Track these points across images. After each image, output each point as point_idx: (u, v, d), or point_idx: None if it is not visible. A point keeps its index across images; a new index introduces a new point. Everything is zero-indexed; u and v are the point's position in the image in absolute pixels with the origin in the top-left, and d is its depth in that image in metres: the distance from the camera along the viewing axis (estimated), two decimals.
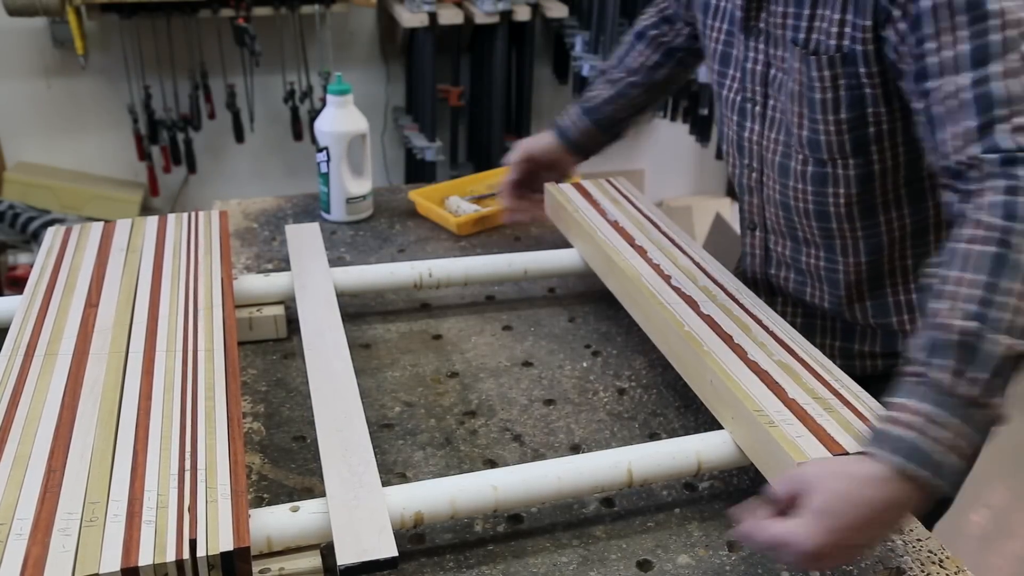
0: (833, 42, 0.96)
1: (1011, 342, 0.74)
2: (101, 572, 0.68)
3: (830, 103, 0.99)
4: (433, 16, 2.74)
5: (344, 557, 0.75)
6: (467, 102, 3.04)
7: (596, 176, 1.51)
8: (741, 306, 1.08)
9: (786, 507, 0.77)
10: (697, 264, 1.18)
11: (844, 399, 0.91)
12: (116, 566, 0.69)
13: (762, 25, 1.05)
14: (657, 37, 1.33)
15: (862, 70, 0.96)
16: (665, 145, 3.46)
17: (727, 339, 1.01)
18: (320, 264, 1.21)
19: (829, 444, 0.85)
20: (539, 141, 1.40)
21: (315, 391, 0.95)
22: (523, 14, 2.84)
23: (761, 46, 1.06)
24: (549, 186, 1.42)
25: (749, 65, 1.09)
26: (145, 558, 0.70)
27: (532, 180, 1.41)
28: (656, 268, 1.17)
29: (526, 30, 2.94)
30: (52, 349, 0.97)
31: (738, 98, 1.13)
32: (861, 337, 1.16)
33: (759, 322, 1.05)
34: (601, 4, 2.87)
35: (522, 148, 1.40)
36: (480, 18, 2.78)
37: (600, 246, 1.23)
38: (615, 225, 1.29)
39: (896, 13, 0.89)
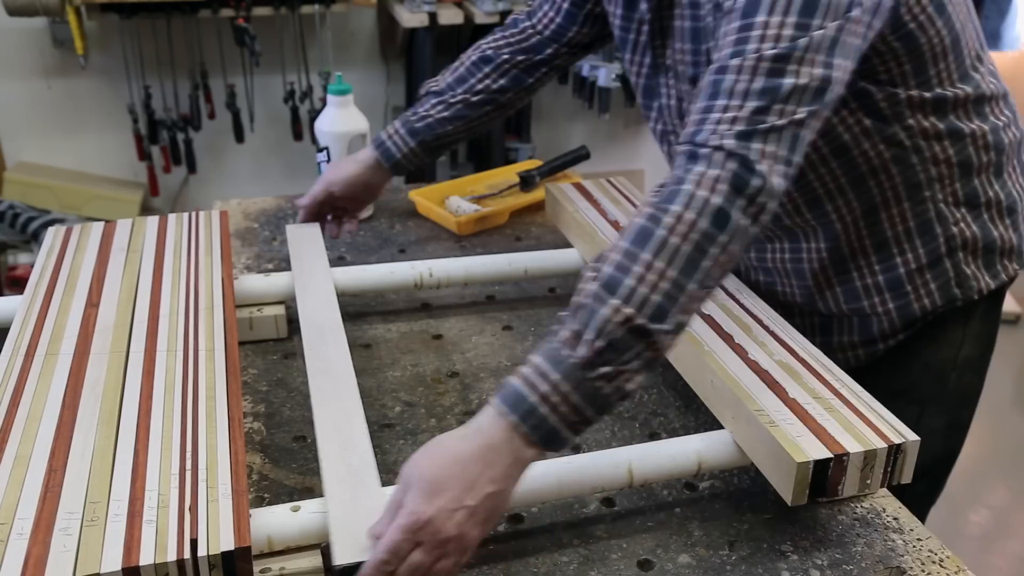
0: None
1: (629, 312, 0.74)
2: (102, 572, 0.69)
3: None
4: (433, 16, 2.74)
5: (341, 557, 0.75)
6: None
7: (596, 176, 1.51)
8: (741, 306, 1.08)
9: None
10: None
11: (845, 399, 0.91)
12: (117, 566, 0.69)
13: (668, 63, 1.07)
14: (509, 61, 1.28)
15: None
16: None
17: (728, 339, 1.01)
18: (320, 264, 1.21)
19: (830, 444, 0.85)
20: (347, 171, 1.31)
21: (315, 391, 0.95)
22: None
23: (671, 82, 1.09)
24: (550, 187, 1.42)
25: (664, 100, 1.11)
26: (146, 558, 0.70)
27: (333, 211, 1.35)
28: None
29: None
30: (53, 349, 0.97)
31: (660, 129, 1.16)
32: (839, 328, 1.17)
33: (759, 322, 1.05)
34: None
35: (325, 183, 1.31)
36: (480, 18, 2.78)
37: (601, 246, 1.23)
38: (615, 225, 1.29)
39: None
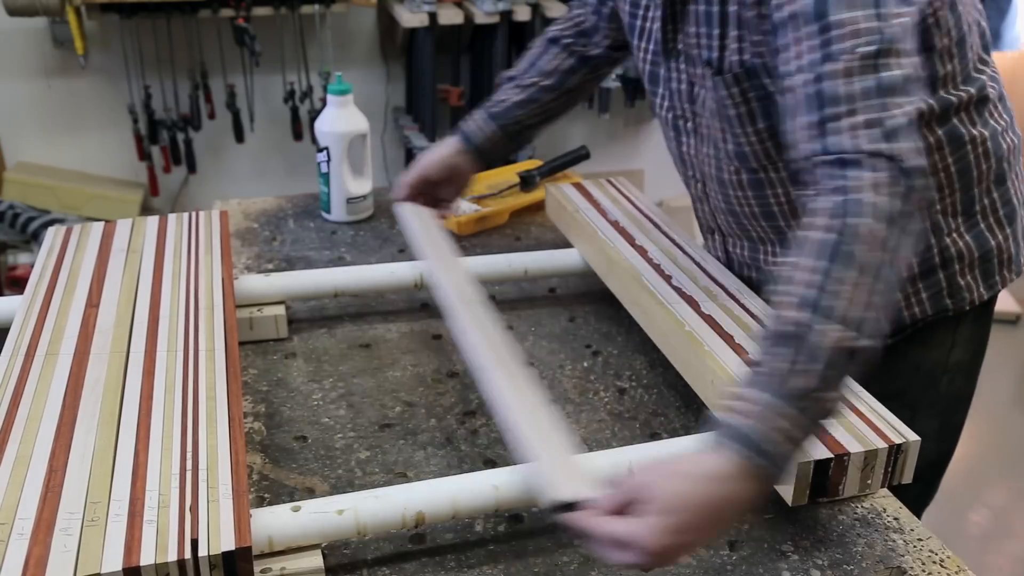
0: (736, 58, 0.98)
1: (841, 334, 0.73)
2: (103, 572, 0.69)
3: (745, 116, 1.01)
4: (433, 16, 2.74)
5: (558, 495, 0.77)
6: (467, 102, 3.04)
7: (596, 176, 1.51)
8: (742, 306, 1.08)
9: (620, 512, 0.75)
10: (698, 264, 1.19)
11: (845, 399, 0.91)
12: (118, 566, 0.69)
13: (680, 47, 1.07)
14: (571, 45, 1.30)
15: (766, 80, 0.97)
16: (665, 145, 3.46)
17: (728, 339, 1.01)
18: (443, 240, 1.22)
19: (830, 444, 0.85)
20: (437, 155, 1.32)
21: (483, 360, 0.97)
22: (523, 14, 2.84)
23: (682, 66, 1.08)
24: (550, 187, 1.42)
25: (674, 85, 1.11)
26: (147, 558, 0.70)
27: (426, 200, 1.34)
28: (657, 268, 1.17)
29: (526, 30, 2.94)
30: (53, 349, 0.97)
31: (670, 115, 1.14)
32: None
33: (760, 322, 1.05)
34: None
35: (418, 168, 1.32)
36: (480, 18, 2.78)
37: (601, 246, 1.23)
38: (615, 225, 1.29)
39: (767, 26, 0.91)
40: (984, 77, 1.03)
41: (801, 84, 0.83)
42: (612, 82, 3.07)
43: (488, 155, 1.32)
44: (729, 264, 1.22)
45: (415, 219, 1.27)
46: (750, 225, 1.13)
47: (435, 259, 1.17)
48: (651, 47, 1.12)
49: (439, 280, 1.13)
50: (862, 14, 0.80)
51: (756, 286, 1.19)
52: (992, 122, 1.05)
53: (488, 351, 0.98)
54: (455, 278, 1.12)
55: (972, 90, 1.02)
